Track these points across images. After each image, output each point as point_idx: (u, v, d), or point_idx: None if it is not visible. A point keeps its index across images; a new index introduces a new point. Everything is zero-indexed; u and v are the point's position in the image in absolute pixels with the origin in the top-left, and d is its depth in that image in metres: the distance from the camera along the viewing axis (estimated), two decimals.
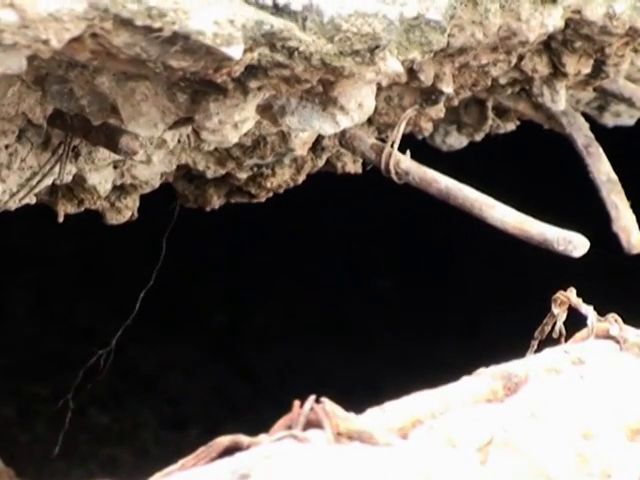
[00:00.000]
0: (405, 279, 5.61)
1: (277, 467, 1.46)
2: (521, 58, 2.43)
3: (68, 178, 2.36)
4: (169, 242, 3.44)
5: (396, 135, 2.41)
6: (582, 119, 2.59)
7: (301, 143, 2.50)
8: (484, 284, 5.37)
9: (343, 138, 2.44)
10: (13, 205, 2.31)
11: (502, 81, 2.49)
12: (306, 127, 2.23)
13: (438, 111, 2.52)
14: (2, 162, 2.24)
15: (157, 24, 1.86)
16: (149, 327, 4.37)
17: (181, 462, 1.53)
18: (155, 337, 4.76)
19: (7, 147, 2.24)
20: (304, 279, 5.29)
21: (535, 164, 3.30)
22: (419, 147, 2.52)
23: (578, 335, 1.83)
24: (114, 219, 2.65)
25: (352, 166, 2.72)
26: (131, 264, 4.30)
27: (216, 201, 2.75)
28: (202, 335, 5.09)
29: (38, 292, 4.96)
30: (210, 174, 2.60)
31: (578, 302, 1.90)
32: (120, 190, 2.55)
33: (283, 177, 2.61)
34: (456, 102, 2.51)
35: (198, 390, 5.02)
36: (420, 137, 2.65)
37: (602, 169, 2.49)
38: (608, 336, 1.82)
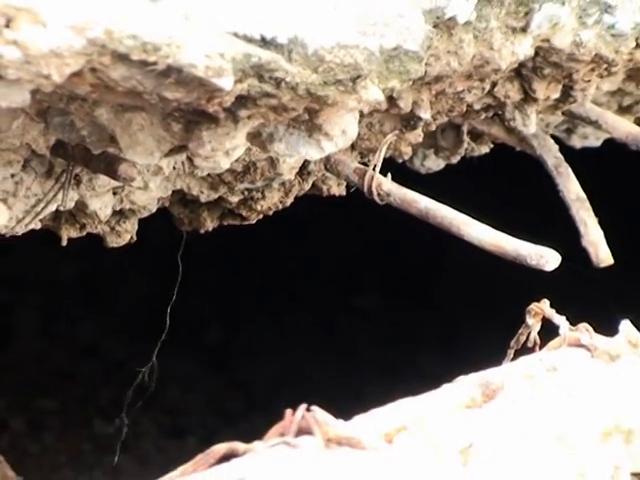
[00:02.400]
0: (388, 296, 5.62)
1: (271, 472, 1.46)
2: (494, 85, 2.43)
3: (70, 204, 2.36)
4: (168, 264, 3.44)
5: (377, 159, 2.42)
6: (552, 141, 2.59)
7: (289, 168, 2.50)
8: (462, 299, 5.38)
9: (328, 162, 2.44)
10: (20, 230, 2.31)
11: (476, 107, 2.49)
12: (293, 153, 2.23)
13: (417, 136, 2.52)
14: (8, 190, 2.23)
15: (152, 58, 1.86)
16: (150, 343, 4.36)
17: (181, 469, 1.53)
18: (155, 350, 4.75)
19: (13, 176, 2.24)
20: (293, 296, 5.29)
21: (508, 184, 3.31)
22: (399, 170, 2.52)
23: (551, 344, 1.83)
24: (114, 242, 2.65)
25: (337, 189, 2.72)
26: (130, 284, 4.31)
27: (210, 224, 2.75)
28: (199, 350, 5.09)
29: (44, 312, 4.96)
30: (204, 198, 2.60)
31: (551, 313, 1.90)
32: (119, 215, 2.55)
33: (272, 200, 2.61)
34: (433, 127, 2.51)
35: (195, 402, 5.02)
36: (400, 160, 2.65)
37: (571, 188, 2.49)
38: (580, 344, 1.82)
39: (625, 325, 1.88)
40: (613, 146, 2.65)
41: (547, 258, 2.25)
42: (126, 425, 4.34)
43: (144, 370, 3.90)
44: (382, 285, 5.56)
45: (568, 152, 2.59)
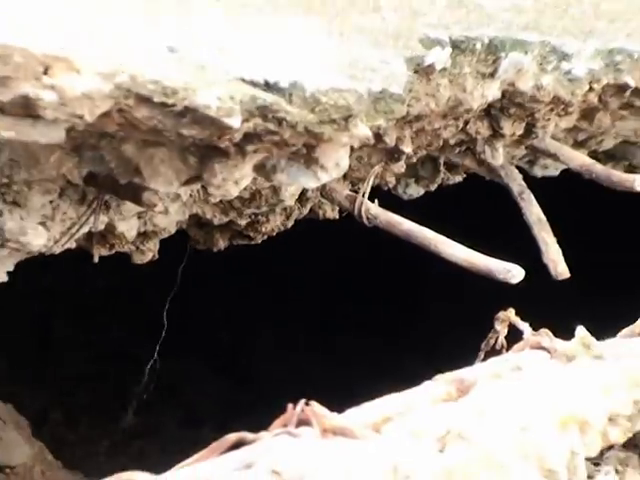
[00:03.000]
0: (378, 306, 5.61)
1: (276, 458, 1.46)
2: (467, 123, 2.43)
3: (101, 227, 2.36)
4: (185, 278, 3.43)
5: (366, 187, 2.42)
6: (516, 171, 2.59)
7: (289, 195, 2.50)
8: (442, 309, 5.37)
9: (323, 190, 2.44)
10: (57, 249, 2.31)
11: (451, 142, 2.49)
12: (293, 182, 2.23)
13: (400, 167, 2.53)
14: (47, 215, 2.23)
15: (171, 100, 1.86)
16: (167, 342, 4.35)
17: (197, 455, 1.52)
18: (174, 353, 4.75)
19: (51, 202, 2.24)
20: (292, 305, 5.29)
21: (479, 208, 3.31)
22: (385, 196, 2.52)
23: (516, 346, 1.83)
24: (139, 259, 2.65)
25: (331, 213, 2.72)
26: (153, 296, 4.29)
27: (221, 243, 2.75)
28: (212, 352, 5.08)
29: (78, 320, 4.96)
30: (216, 221, 2.60)
31: (516, 320, 1.90)
32: (143, 236, 2.55)
33: (275, 223, 2.61)
34: (414, 159, 2.52)
35: (210, 396, 5.01)
36: (385, 188, 2.65)
37: (533, 212, 2.49)
38: (541, 347, 1.82)
39: (580, 330, 1.88)
40: (569, 175, 2.65)
41: (513, 272, 2.26)
42: (149, 418, 4.34)
43: (149, 366, 3.90)
44: (374, 297, 5.55)
45: (530, 180, 2.59)
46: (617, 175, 2.56)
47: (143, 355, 4.22)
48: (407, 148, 2.37)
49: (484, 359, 1.86)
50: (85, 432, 4.53)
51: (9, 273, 2.29)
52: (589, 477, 1.65)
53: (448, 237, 2.36)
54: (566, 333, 1.89)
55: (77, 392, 4.66)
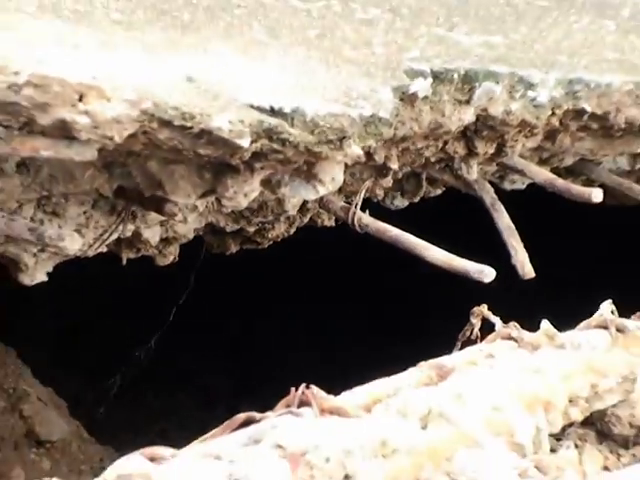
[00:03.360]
0: (370, 303, 5.60)
1: (280, 434, 1.46)
2: (445, 143, 2.43)
3: (128, 233, 2.36)
4: (200, 278, 3.43)
5: (358, 199, 2.42)
6: (489, 185, 2.59)
7: (292, 206, 2.50)
8: (422, 309, 5.36)
9: (321, 202, 2.44)
10: (91, 253, 2.31)
11: (432, 159, 2.49)
12: (295, 195, 2.24)
13: (387, 182, 2.53)
14: (82, 223, 2.23)
15: (189, 124, 1.86)
16: (186, 334, 4.35)
17: (211, 432, 1.52)
18: (190, 342, 4.75)
19: (85, 212, 2.24)
20: (293, 301, 5.28)
21: (457, 217, 3.31)
22: (374, 207, 2.51)
23: (489, 337, 1.83)
24: (161, 262, 2.65)
25: (328, 221, 2.72)
26: (174, 293, 4.30)
27: (233, 248, 2.75)
28: (225, 345, 5.07)
29: (105, 313, 4.94)
30: (228, 229, 2.60)
31: (488, 314, 1.90)
32: (165, 241, 2.55)
33: (280, 230, 2.61)
34: (400, 175, 2.52)
35: (222, 382, 5.01)
36: (375, 200, 2.65)
37: (503, 220, 2.49)
38: (510, 337, 1.82)
39: (544, 323, 1.88)
40: (535, 189, 2.65)
41: (485, 273, 2.26)
42: (170, 401, 4.33)
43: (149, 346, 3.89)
44: (366, 296, 5.55)
45: (501, 193, 2.58)
46: (576, 188, 2.56)
47: (163, 346, 4.22)
48: (394, 165, 2.37)
49: (461, 348, 1.86)
50: (114, 412, 4.52)
51: (48, 273, 2.28)
52: (552, 450, 1.65)
53: (429, 242, 2.36)
54: (532, 326, 1.89)
55: (106, 376, 4.66)
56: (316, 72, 2.18)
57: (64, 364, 3.99)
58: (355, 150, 2.09)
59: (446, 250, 2.32)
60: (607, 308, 1.98)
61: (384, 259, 2.78)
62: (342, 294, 5.45)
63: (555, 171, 2.63)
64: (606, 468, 1.71)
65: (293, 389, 1.60)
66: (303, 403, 1.59)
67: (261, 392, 1.67)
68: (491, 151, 2.48)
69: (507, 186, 2.67)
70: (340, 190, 2.33)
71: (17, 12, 2.08)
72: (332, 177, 2.17)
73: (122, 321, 4.83)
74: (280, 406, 1.60)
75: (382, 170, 2.38)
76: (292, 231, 2.58)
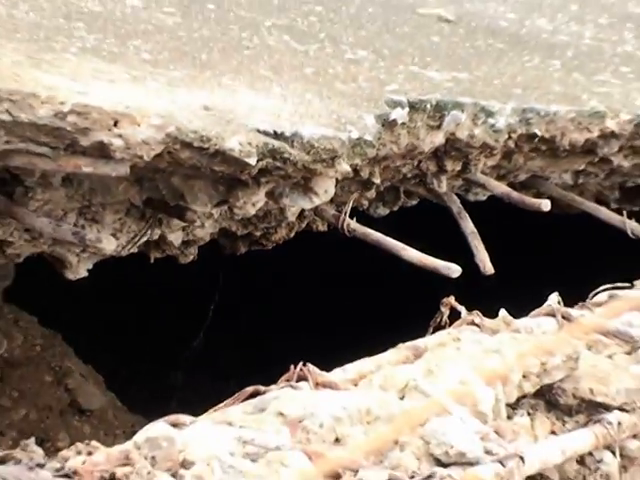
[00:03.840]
0: (357, 295, 5.58)
1: (281, 403, 1.45)
2: (420, 162, 2.43)
3: (156, 237, 2.34)
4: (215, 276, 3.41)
5: (347, 208, 2.42)
6: (455, 197, 2.58)
7: (292, 214, 2.49)
8: (403, 298, 5.36)
9: (316, 210, 2.43)
10: (123, 253, 2.30)
11: (408, 175, 2.48)
12: (294, 204, 2.24)
13: (371, 194, 2.52)
14: (117, 228, 2.23)
15: (206, 145, 1.87)
16: (205, 321, 4.35)
17: (224, 403, 1.51)
18: (209, 327, 4.75)
19: (119, 219, 2.23)
20: (293, 294, 5.26)
21: (429, 224, 3.30)
22: (360, 215, 2.51)
23: (456, 323, 1.83)
24: (183, 260, 2.64)
25: (322, 227, 2.71)
26: (194, 287, 4.28)
27: (242, 249, 2.74)
28: (236, 329, 5.06)
29: (141, 307, 4.91)
30: (239, 233, 2.59)
31: (455, 304, 1.89)
32: (186, 243, 2.54)
33: (281, 234, 2.60)
34: (381, 188, 2.51)
35: (234, 360, 4.99)
36: (361, 209, 2.64)
37: (468, 226, 2.49)
38: (473, 323, 1.81)
39: (502, 312, 1.87)
40: (494, 200, 2.65)
41: (452, 269, 2.25)
42: (191, 376, 4.32)
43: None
44: (353, 288, 5.54)
45: (466, 203, 2.58)
46: (528, 200, 2.57)
47: (186, 330, 4.21)
48: (377, 180, 2.37)
49: (432, 332, 1.86)
50: (144, 386, 4.51)
51: (88, 270, 2.28)
52: (508, 417, 1.64)
53: (406, 244, 2.35)
54: (492, 314, 1.89)
55: (137, 357, 4.64)
56: (312, 102, 2.18)
57: (102, 346, 3.97)
58: (344, 167, 2.09)
59: (420, 251, 2.32)
60: (554, 299, 1.98)
61: (368, 260, 2.77)
62: (334, 289, 5.44)
63: (511, 185, 2.62)
64: (553, 432, 1.71)
65: (292, 366, 1.59)
66: (301, 378, 1.59)
67: (266, 369, 1.67)
68: (457, 168, 2.48)
69: (471, 197, 2.66)
70: (332, 200, 2.32)
71: (63, 52, 2.08)
72: (325, 190, 2.17)
73: (151, 310, 4.81)
74: (281, 380, 1.60)
75: (367, 184, 2.38)
76: (292, 235, 2.58)
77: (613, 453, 1.70)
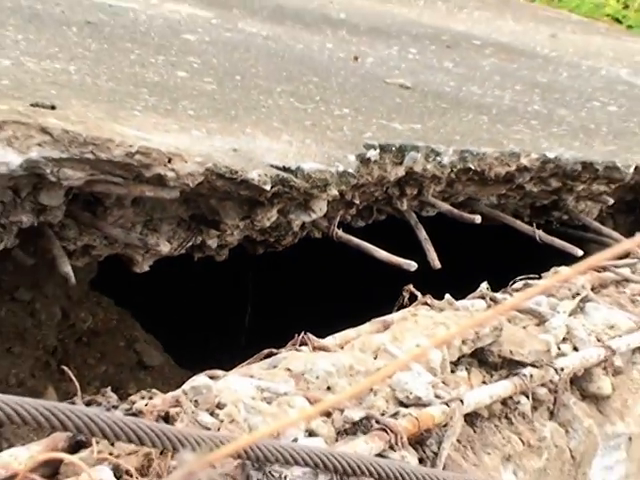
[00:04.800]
0: (345, 284, 5.57)
1: (288, 362, 1.44)
2: (387, 188, 2.42)
3: (198, 242, 2.33)
4: (231, 271, 3.38)
5: (335, 221, 2.41)
6: (413, 214, 2.57)
7: (296, 225, 2.48)
8: (377, 286, 5.35)
9: (313, 223, 2.42)
10: (175, 253, 2.28)
11: (379, 198, 2.47)
12: (298, 219, 2.22)
13: (353, 211, 2.50)
14: (170, 236, 2.21)
15: (234, 176, 1.86)
16: (236, 304, 4.31)
17: (247, 361, 1.50)
18: (238, 306, 4.72)
19: (172, 229, 2.21)
20: (294, 284, 5.25)
21: (395, 233, 3.29)
22: (345, 226, 2.50)
23: (414, 304, 1.82)
24: (218, 259, 2.62)
25: (317, 235, 2.69)
26: (225, 279, 4.25)
27: (260, 250, 2.72)
28: (256, 308, 5.04)
29: (189, 291, 4.87)
30: (258, 239, 2.57)
31: (414, 290, 1.88)
32: (220, 247, 2.52)
33: (288, 240, 2.57)
34: (360, 207, 2.49)
35: (252, 330, 4.97)
36: (345, 222, 2.63)
37: (422, 234, 2.48)
38: (426, 304, 1.81)
39: (447, 296, 1.87)
40: (440, 215, 2.64)
41: (411, 265, 2.25)
42: (223, 343, 4.28)
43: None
44: (341, 279, 5.54)
45: (420, 218, 2.57)
46: (465, 215, 2.57)
47: (219, 311, 4.18)
48: (357, 201, 2.36)
49: (397, 310, 1.85)
50: (190, 350, 4.49)
51: (150, 266, 2.26)
52: (452, 372, 1.63)
53: (378, 247, 2.35)
54: (439, 297, 1.88)
55: (185, 329, 4.62)
56: (310, 146, 2.17)
57: (160, 320, 3.95)
58: (333, 192, 2.09)
59: (388, 252, 2.31)
60: (484, 286, 1.98)
61: (351, 259, 2.76)
62: (326, 280, 5.43)
63: (452, 205, 2.62)
64: (484, 382, 1.70)
65: (296, 335, 1.58)
66: (302, 343, 1.58)
67: (277, 337, 1.66)
68: (414, 193, 2.47)
69: (424, 214, 2.65)
70: (324, 216, 2.31)
71: (132, 110, 2.07)
72: (320, 208, 2.17)
73: (200, 296, 4.78)
74: (289, 345, 1.59)
75: (349, 204, 2.37)
76: (296, 240, 2.56)
77: (527, 397, 1.70)
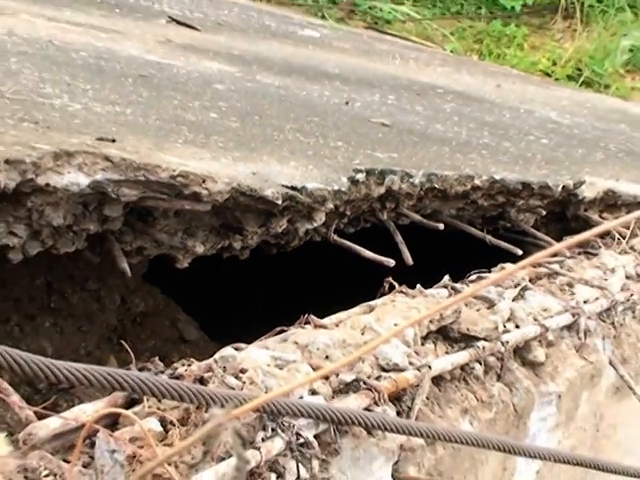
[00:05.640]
0: (341, 275, 5.50)
1: (295, 336, 1.42)
2: (372, 203, 2.39)
3: (226, 245, 2.29)
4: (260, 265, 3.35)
5: (332, 229, 2.39)
6: (391, 222, 2.55)
7: (301, 232, 2.45)
8: (366, 277, 5.29)
9: (315, 229, 2.40)
10: (208, 253, 2.26)
11: (365, 210, 2.42)
12: (303, 227, 2.20)
13: (345, 220, 2.43)
14: (204, 240, 2.17)
15: (254, 194, 1.84)
16: (256, 293, 4.26)
17: (264, 337, 1.48)
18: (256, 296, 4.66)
19: (206, 235, 2.16)
20: (295, 273, 5.18)
21: (378, 237, 3.27)
22: (339, 232, 2.48)
23: (392, 292, 1.81)
24: (241, 257, 2.58)
25: (318, 238, 2.64)
26: (246, 272, 4.19)
27: (274, 251, 2.69)
28: (270, 296, 4.98)
29: (218, 282, 4.79)
30: (272, 242, 2.50)
31: (392, 281, 1.87)
32: (243, 248, 2.47)
33: (295, 243, 2.55)
34: (351, 217, 2.43)
35: (269, 313, 4.91)
36: (339, 229, 2.59)
37: (398, 238, 2.46)
38: (402, 292, 1.79)
39: (418, 286, 1.85)
40: (413, 224, 2.62)
41: (390, 262, 2.23)
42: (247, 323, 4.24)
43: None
44: (338, 269, 5.47)
45: (398, 226, 2.56)
46: (432, 224, 2.56)
47: (243, 298, 4.14)
48: (348, 213, 2.35)
49: (379, 297, 1.84)
50: (219, 328, 4.43)
51: (188, 263, 2.24)
52: (422, 344, 1.62)
53: (365, 248, 2.34)
54: (413, 286, 1.86)
55: (215, 312, 4.56)
56: (312, 170, 2.16)
57: (196, 305, 3.93)
58: (330, 206, 2.08)
59: (372, 252, 2.30)
60: (446, 278, 1.96)
61: (344, 257, 2.74)
62: (325, 274, 5.40)
63: (422, 215, 2.60)
64: (447, 353, 1.69)
65: (302, 316, 1.57)
66: (306, 322, 1.56)
67: (287, 318, 1.65)
68: (392, 206, 2.46)
69: (400, 222, 2.63)
70: (323, 224, 2.30)
71: (174, 143, 2.06)
72: (319, 218, 2.15)
73: (226, 286, 4.73)
74: (295, 324, 1.57)
75: (342, 215, 2.36)
76: (301, 243, 2.55)
77: (480, 364, 1.69)
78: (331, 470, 1.24)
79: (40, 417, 1.12)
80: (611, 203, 2.86)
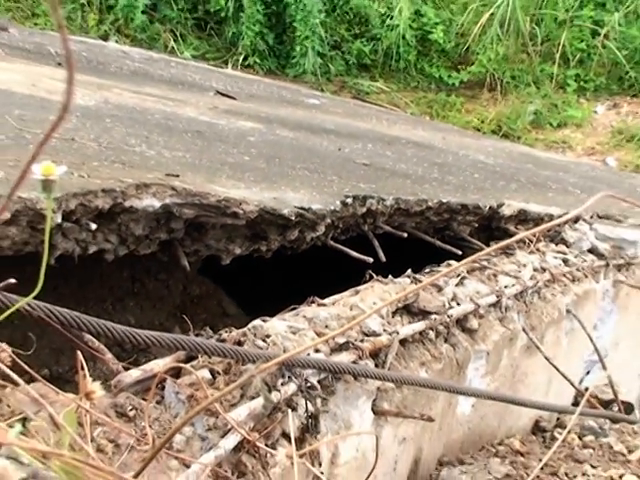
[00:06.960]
0: (338, 270, 5.41)
1: (305, 312, 1.41)
2: (357, 219, 2.36)
3: (255, 248, 2.26)
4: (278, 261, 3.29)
5: (329, 236, 2.36)
6: (370, 232, 2.52)
7: (309, 238, 2.42)
8: (353, 272, 5.18)
9: (317, 237, 2.37)
10: (243, 254, 2.20)
11: (352, 224, 2.38)
12: (309, 235, 2.17)
13: (338, 231, 2.40)
14: (240, 245, 2.10)
15: (275, 212, 1.81)
16: (273, 285, 4.18)
17: (282, 312, 1.46)
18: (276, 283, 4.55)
19: (241, 241, 2.11)
20: (295, 269, 5.08)
21: (362, 242, 3.23)
22: (334, 239, 2.45)
23: (372, 280, 1.79)
24: (266, 256, 2.55)
25: (319, 244, 2.61)
26: (269, 267, 4.10)
27: (289, 252, 2.66)
28: (287, 283, 4.89)
29: (250, 274, 4.67)
30: (287, 246, 2.49)
31: (372, 273, 1.84)
32: (267, 250, 2.44)
33: (304, 246, 2.54)
34: (342, 229, 2.41)
35: (285, 296, 4.81)
36: (334, 237, 2.56)
37: (375, 243, 2.44)
38: (379, 280, 1.77)
39: (390, 276, 1.83)
40: (386, 234, 2.59)
41: (369, 260, 2.21)
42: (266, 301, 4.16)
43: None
44: (336, 265, 5.35)
45: (376, 235, 2.52)
46: (399, 233, 2.52)
47: (269, 285, 4.04)
48: (340, 225, 2.32)
49: (362, 284, 1.81)
50: (253, 306, 4.35)
51: (232, 259, 2.21)
52: (392, 317, 1.60)
53: (352, 250, 2.30)
54: (386, 277, 1.83)
55: (250, 296, 4.48)
56: (315, 196, 2.14)
57: (234, 290, 3.87)
58: (328, 221, 2.05)
59: (357, 253, 2.27)
60: (409, 272, 1.94)
61: (338, 257, 2.71)
62: (324, 270, 5.30)
63: (392, 227, 2.58)
64: (410, 322, 1.66)
65: (309, 298, 1.55)
66: (312, 302, 1.54)
67: (298, 300, 1.63)
68: (371, 221, 2.44)
69: (377, 232, 2.61)
70: (323, 233, 2.29)
71: (219, 177, 2.05)
72: (321, 229, 2.13)
73: (252, 278, 4.63)
74: (304, 303, 1.55)
75: (336, 227, 2.34)
76: (308, 247, 2.53)
77: (432, 330, 1.66)
78: (329, 405, 1.24)
79: (126, 369, 1.13)
80: (523, 218, 2.86)
